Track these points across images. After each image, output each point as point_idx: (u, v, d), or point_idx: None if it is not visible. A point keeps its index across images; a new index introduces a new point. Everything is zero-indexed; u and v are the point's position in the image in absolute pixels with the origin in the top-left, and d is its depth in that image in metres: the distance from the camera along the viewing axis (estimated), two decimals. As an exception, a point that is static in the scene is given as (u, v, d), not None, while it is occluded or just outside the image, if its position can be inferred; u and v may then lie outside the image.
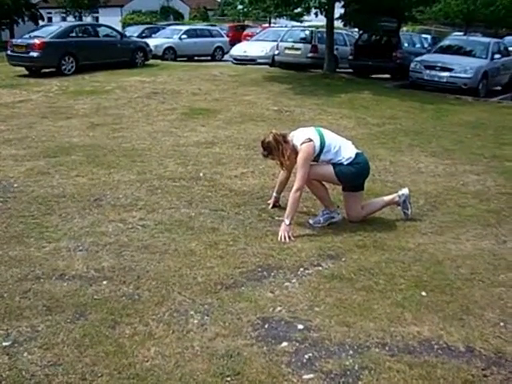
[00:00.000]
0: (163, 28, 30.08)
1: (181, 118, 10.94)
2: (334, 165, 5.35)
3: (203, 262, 4.58)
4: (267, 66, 21.53)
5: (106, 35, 20.46)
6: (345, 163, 5.33)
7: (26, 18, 34.35)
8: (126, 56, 20.01)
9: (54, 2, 41.52)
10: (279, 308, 3.92)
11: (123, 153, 8.05)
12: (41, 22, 34.24)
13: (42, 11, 38.62)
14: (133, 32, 28.73)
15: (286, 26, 30.29)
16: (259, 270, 4.50)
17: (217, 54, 27.71)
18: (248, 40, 27.81)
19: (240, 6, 45.40)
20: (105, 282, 4.21)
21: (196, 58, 26.70)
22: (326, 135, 5.36)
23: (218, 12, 60.85)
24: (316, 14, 18.85)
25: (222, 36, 29.36)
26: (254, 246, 4.95)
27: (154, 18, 47.65)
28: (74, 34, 18.92)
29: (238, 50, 23.98)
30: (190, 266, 4.52)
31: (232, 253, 4.79)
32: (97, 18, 48.15)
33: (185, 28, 28.50)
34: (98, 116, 11.07)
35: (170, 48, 25.54)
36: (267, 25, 43.11)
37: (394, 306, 3.98)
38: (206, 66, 21.55)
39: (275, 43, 21.83)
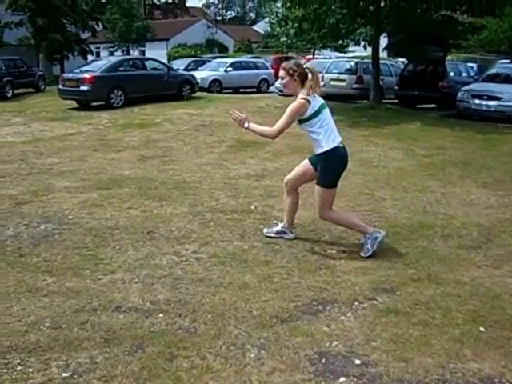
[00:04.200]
0: (209, 61, 30.54)
1: (229, 151, 11.06)
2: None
3: (258, 296, 4.58)
4: (312, 98, 21.55)
5: (154, 68, 20.96)
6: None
7: (75, 53, 35.28)
8: (173, 89, 20.38)
9: (102, 37, 42.66)
10: (336, 342, 3.89)
11: (174, 185, 8.14)
12: (89, 57, 35.14)
13: (90, 46, 39.65)
14: (179, 65, 29.30)
15: (329, 58, 30.42)
16: (314, 303, 4.48)
17: (262, 86, 27.95)
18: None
19: (284, 38, 46.02)
20: (161, 315, 4.25)
21: (241, 90, 27.01)
22: (323, 114, 5.65)
23: (261, 44, 61.50)
24: (365, 47, 18.95)
25: (267, 68, 29.57)
26: (307, 279, 4.93)
27: (199, 51, 48.45)
28: (122, 68, 19.44)
29: (283, 81, 24.12)
30: (244, 299, 4.52)
31: (286, 286, 4.78)
32: (143, 52, 49.25)
33: (230, 60, 28.91)
34: (148, 148, 11.26)
35: (215, 80, 25.91)
36: (311, 56, 43.29)
37: (452, 342, 3.91)
38: (252, 98, 21.78)
39: (320, 75, 21.87)
